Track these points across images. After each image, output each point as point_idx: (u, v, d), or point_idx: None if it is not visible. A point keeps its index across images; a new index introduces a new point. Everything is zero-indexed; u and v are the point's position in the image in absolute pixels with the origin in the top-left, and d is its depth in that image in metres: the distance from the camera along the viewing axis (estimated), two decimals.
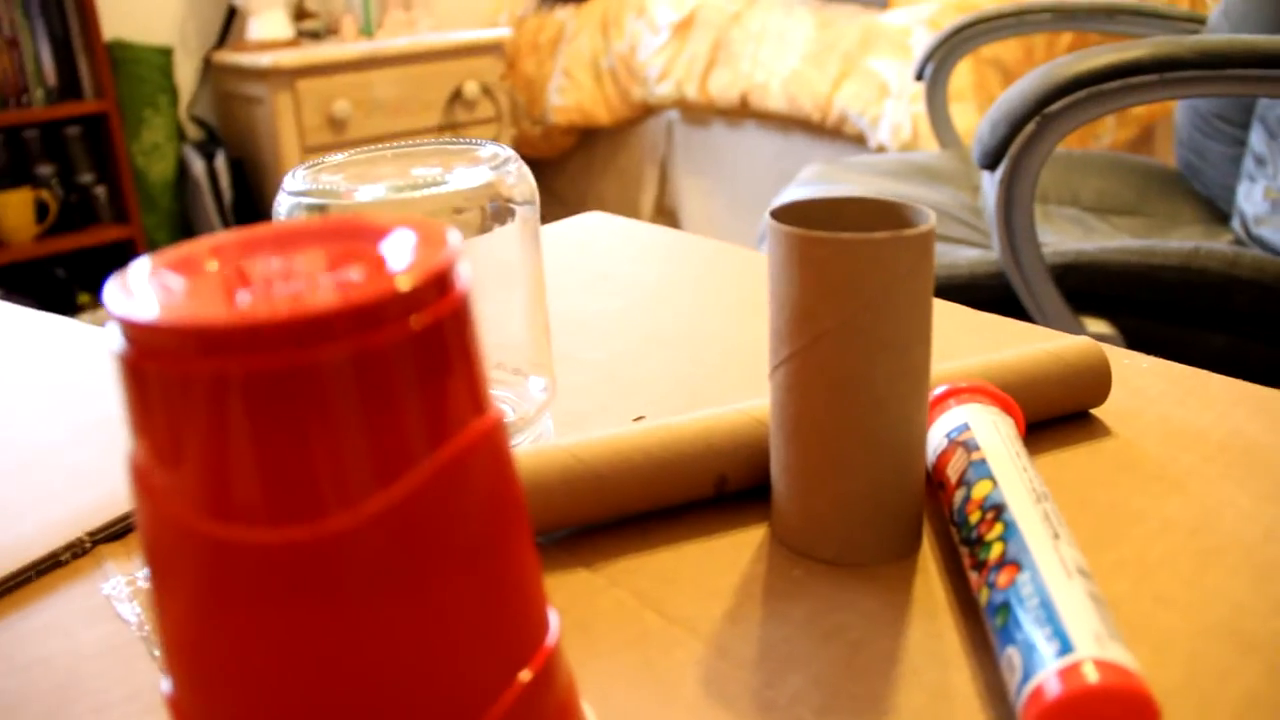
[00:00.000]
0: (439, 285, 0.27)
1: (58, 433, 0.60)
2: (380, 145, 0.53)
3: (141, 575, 0.47)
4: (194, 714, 0.30)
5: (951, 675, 0.38)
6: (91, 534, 0.50)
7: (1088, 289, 1.22)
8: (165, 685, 0.31)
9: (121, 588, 0.46)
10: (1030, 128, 1.07)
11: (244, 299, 0.27)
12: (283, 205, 0.48)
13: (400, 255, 0.28)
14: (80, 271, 3.01)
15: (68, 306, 2.91)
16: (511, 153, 0.51)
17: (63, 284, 2.92)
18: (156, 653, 0.42)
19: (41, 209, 2.81)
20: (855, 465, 0.42)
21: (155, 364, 0.26)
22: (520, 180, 0.50)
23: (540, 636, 0.31)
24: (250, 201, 3.06)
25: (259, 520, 0.26)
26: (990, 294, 1.23)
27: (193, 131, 3.17)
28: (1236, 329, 1.22)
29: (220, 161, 3.01)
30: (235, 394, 0.25)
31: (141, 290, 0.27)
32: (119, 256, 2.99)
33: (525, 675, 0.31)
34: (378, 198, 0.46)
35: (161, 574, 0.28)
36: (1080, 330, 1.21)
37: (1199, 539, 0.46)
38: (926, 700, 0.37)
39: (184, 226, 3.12)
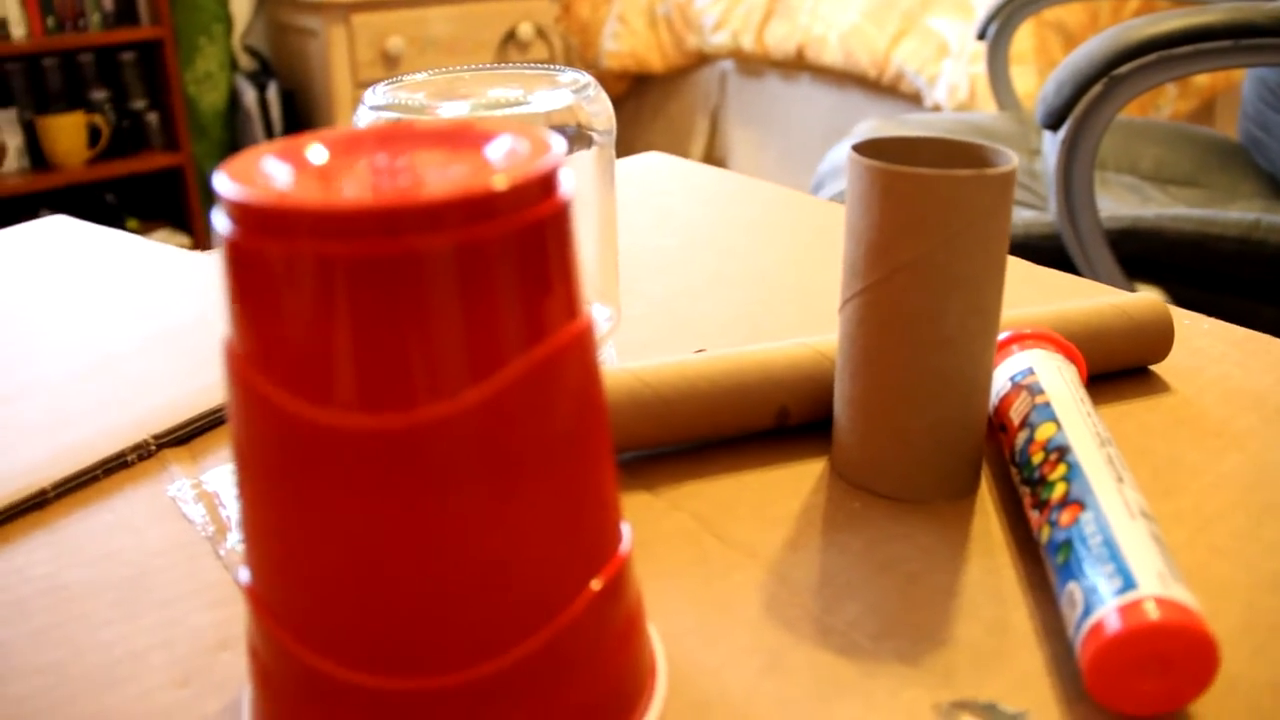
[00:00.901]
0: (543, 187, 0.28)
1: (124, 343, 0.61)
2: (458, 67, 0.54)
3: (206, 478, 0.48)
4: (274, 602, 0.30)
5: (1009, 611, 0.38)
6: (157, 437, 0.51)
7: (1143, 255, 1.21)
8: (244, 576, 0.32)
9: (186, 490, 0.47)
10: (1097, 89, 1.06)
11: (352, 187, 0.27)
12: (363, 119, 0.48)
13: (506, 157, 0.29)
14: (130, 197, 3.03)
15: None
16: (592, 80, 0.51)
17: (112, 209, 2.95)
18: (222, 552, 0.43)
19: (94, 134, 2.83)
20: (920, 402, 0.42)
21: (262, 246, 0.26)
22: (601, 108, 0.50)
23: (614, 546, 0.32)
24: (300, 132, 3.07)
25: (354, 407, 0.27)
26: (1044, 256, 1.23)
27: (245, 61, 3.18)
28: None
29: (272, 92, 3.01)
30: (340, 278, 0.26)
31: (252, 175, 0.28)
32: (169, 183, 3.01)
33: (597, 583, 0.31)
34: (460, 115, 0.47)
35: (251, 461, 0.29)
36: None
37: (1256, 495, 0.46)
38: (982, 633, 0.37)
39: (234, 155, 3.14)
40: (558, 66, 0.53)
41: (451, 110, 0.46)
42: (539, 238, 0.27)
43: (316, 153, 0.30)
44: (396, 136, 0.31)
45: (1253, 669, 0.36)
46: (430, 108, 0.47)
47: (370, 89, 0.50)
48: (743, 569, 0.41)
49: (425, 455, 0.27)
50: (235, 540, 0.44)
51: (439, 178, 0.27)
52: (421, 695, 0.29)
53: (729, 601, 0.39)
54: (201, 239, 3.00)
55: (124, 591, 0.41)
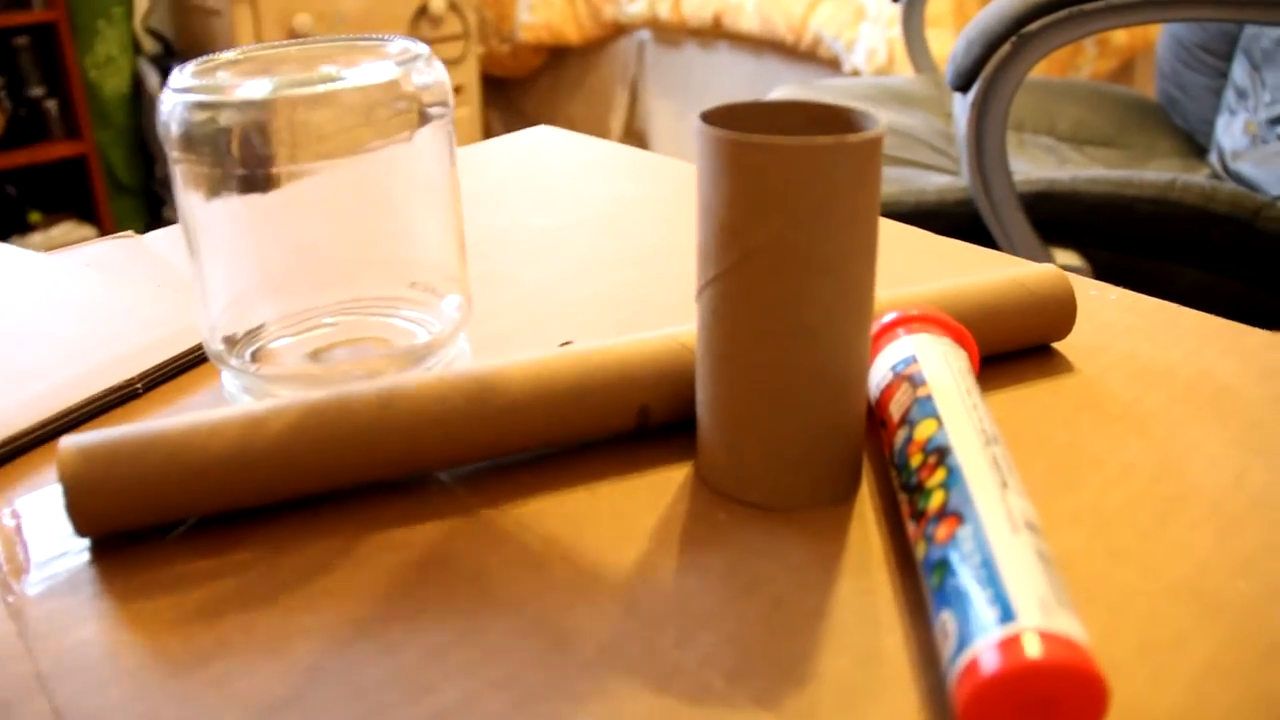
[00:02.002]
0: None
1: None
2: (283, 42, 0.48)
3: (9, 510, 0.42)
4: None
5: (882, 637, 0.34)
6: None
7: (1059, 219, 1.18)
8: None
9: None
10: (1006, 48, 1.02)
11: None
12: (166, 104, 0.43)
13: None
14: (31, 188, 2.92)
15: (19, 225, 2.83)
16: (425, 50, 0.46)
17: (13, 201, 2.84)
18: (10, 599, 0.38)
19: None
20: (786, 400, 0.38)
21: None
22: (430, 79, 0.45)
23: None
24: None
25: None
26: (958, 222, 1.19)
27: (148, 44, 3.06)
28: (1209, 264, 1.18)
29: None
30: None
31: None
32: (72, 174, 2.90)
33: None
34: (263, 95, 0.41)
35: None
36: (1049, 260, 1.17)
37: (1161, 486, 0.42)
38: (850, 665, 0.33)
39: (139, 143, 3.03)
40: (388, 36, 0.47)
41: (253, 89, 0.41)
42: None
43: None
44: None
45: (1151, 694, 0.32)
46: (230, 88, 0.41)
47: (179, 68, 0.44)
48: (588, 599, 0.36)
49: None
50: (31, 582, 0.38)
51: None
52: None
53: (568, 638, 0.34)
54: (108, 231, 2.90)
55: None
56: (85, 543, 0.40)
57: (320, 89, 0.41)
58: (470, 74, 3.19)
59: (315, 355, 0.49)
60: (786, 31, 2.48)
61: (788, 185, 0.35)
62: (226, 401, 0.49)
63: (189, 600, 0.37)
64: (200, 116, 0.42)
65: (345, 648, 0.34)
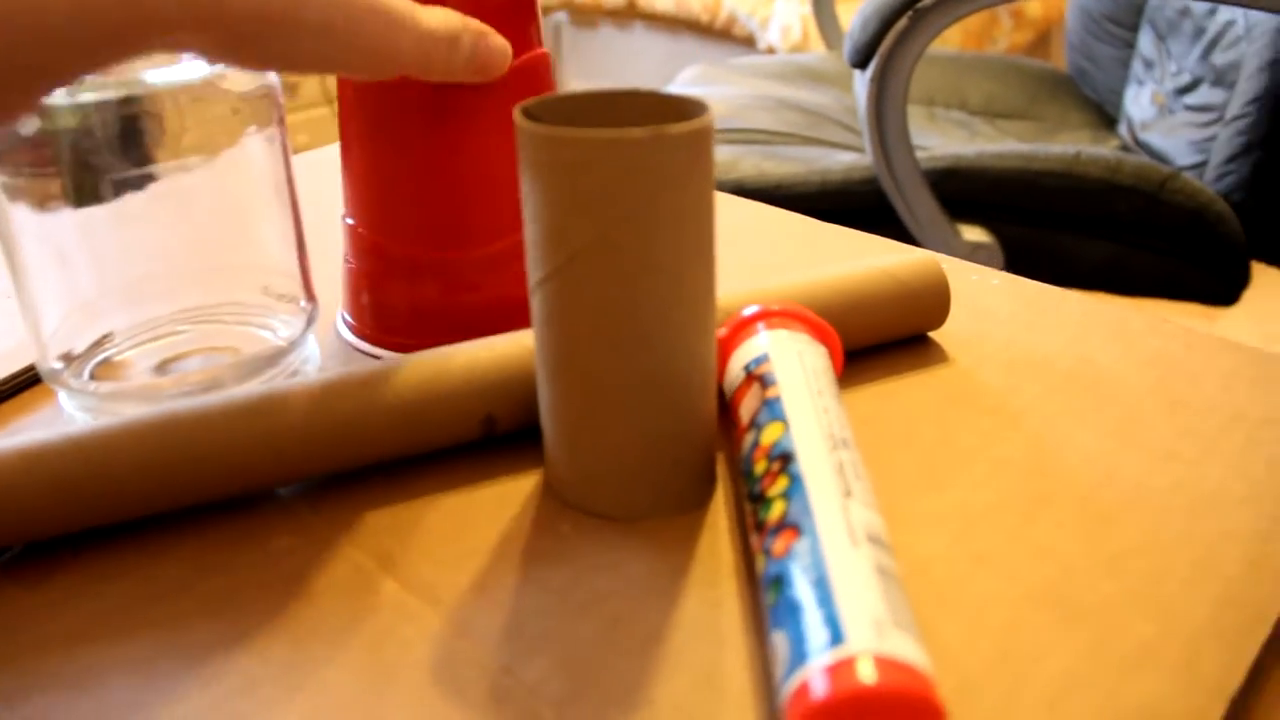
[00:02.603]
0: None
1: None
2: None
3: None
4: (369, 221, 0.48)
5: (724, 656, 0.32)
6: None
7: (967, 196, 1.17)
8: (349, 221, 0.49)
9: None
10: (902, 23, 1.00)
11: None
12: None
13: None
14: None
15: None
16: None
17: None
18: None
19: None
20: (624, 407, 0.36)
21: None
22: (257, 82, 0.42)
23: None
24: None
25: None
26: (865, 200, 1.17)
27: None
28: (1117, 237, 1.18)
29: None
30: None
31: None
32: None
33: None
34: (91, 98, 0.38)
35: (358, 130, 0.47)
36: (956, 238, 1.16)
37: (1031, 484, 0.40)
38: (688, 687, 0.31)
39: None
40: None
41: (79, 94, 0.38)
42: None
43: None
44: None
45: (1007, 713, 0.30)
46: None
47: None
48: (418, 620, 0.34)
49: (462, 110, 0.45)
50: None
51: None
52: (468, 260, 0.47)
53: (392, 665, 0.32)
54: None
55: None
56: None
57: (179, 81, 0.39)
58: None
59: (164, 366, 0.46)
60: (701, 10, 2.46)
61: (607, 181, 0.32)
62: (66, 424, 0.46)
63: (1, 634, 0.34)
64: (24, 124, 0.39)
65: (161, 680, 0.32)
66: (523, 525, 0.38)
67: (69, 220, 0.42)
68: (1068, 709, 0.30)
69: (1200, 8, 1.42)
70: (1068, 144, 1.38)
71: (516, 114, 0.34)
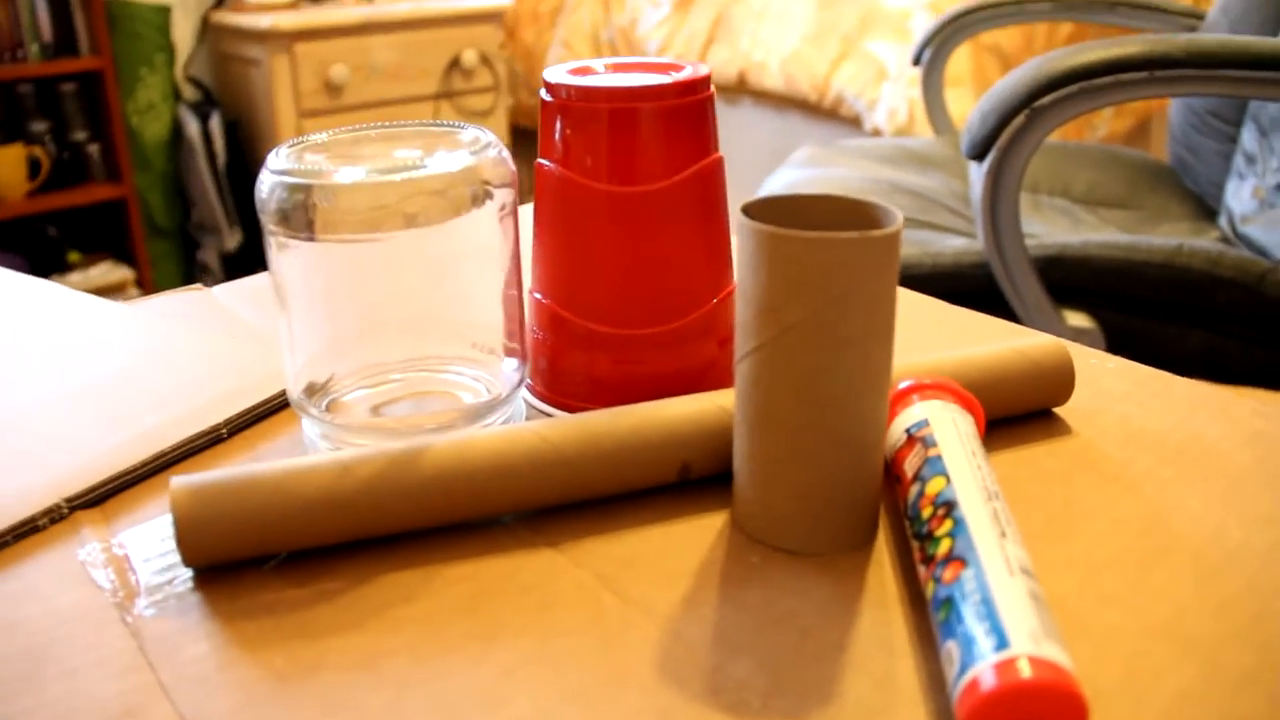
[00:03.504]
0: (703, 86, 0.54)
1: (37, 399, 0.61)
2: (364, 125, 0.54)
3: (119, 540, 0.48)
4: (560, 297, 0.56)
5: (897, 664, 0.39)
6: (69, 500, 0.51)
7: (1070, 282, 1.23)
8: (537, 295, 0.58)
9: (97, 553, 0.47)
10: (1019, 120, 1.08)
11: (610, 79, 0.54)
12: (265, 184, 0.49)
13: (678, 73, 0.55)
14: (71, 229, 3.00)
15: (58, 264, 2.91)
16: (493, 138, 0.52)
17: (54, 242, 2.92)
18: (129, 618, 0.43)
19: (34, 166, 2.80)
20: (815, 458, 0.43)
21: (571, 104, 0.53)
22: (499, 164, 0.51)
23: (727, 279, 0.58)
24: (244, 164, 3.05)
25: (613, 182, 0.53)
26: (975, 284, 1.24)
27: (188, 92, 3.16)
28: (1216, 327, 1.24)
29: (215, 123, 3.00)
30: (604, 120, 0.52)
31: (558, 75, 0.55)
32: (111, 216, 2.99)
33: (723, 292, 0.58)
34: (357, 180, 0.47)
35: (552, 222, 0.56)
36: (1060, 323, 1.22)
37: (1148, 540, 0.47)
38: (871, 688, 0.38)
39: (177, 187, 3.12)
40: (458, 123, 0.53)
41: (349, 175, 0.47)
42: (702, 108, 0.54)
43: (596, 68, 0.57)
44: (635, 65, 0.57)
45: (1130, 718, 0.37)
46: (329, 173, 0.47)
47: (274, 151, 0.50)
48: (638, 627, 0.41)
49: (646, 209, 0.54)
50: (144, 606, 0.44)
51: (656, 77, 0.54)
52: (638, 337, 0.55)
53: (623, 661, 0.40)
54: (144, 272, 2.98)
55: (27, 663, 0.41)
56: (188, 572, 0.46)
57: (403, 176, 0.47)
58: (500, 125, 3.28)
59: (379, 408, 0.55)
60: (810, 90, 2.55)
61: (817, 273, 0.40)
62: (305, 447, 0.55)
63: (288, 623, 0.42)
64: (296, 196, 0.48)
65: (429, 664, 0.40)
66: (717, 555, 0.46)
67: (321, 274, 0.51)
68: (1181, 716, 0.37)
69: None
70: (1169, 234, 1.43)
71: (740, 216, 0.42)
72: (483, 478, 0.46)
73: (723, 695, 0.38)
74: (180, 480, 0.45)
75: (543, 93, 0.55)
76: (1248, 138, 1.61)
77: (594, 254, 0.54)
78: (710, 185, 0.54)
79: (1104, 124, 2.56)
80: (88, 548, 0.48)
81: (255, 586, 0.45)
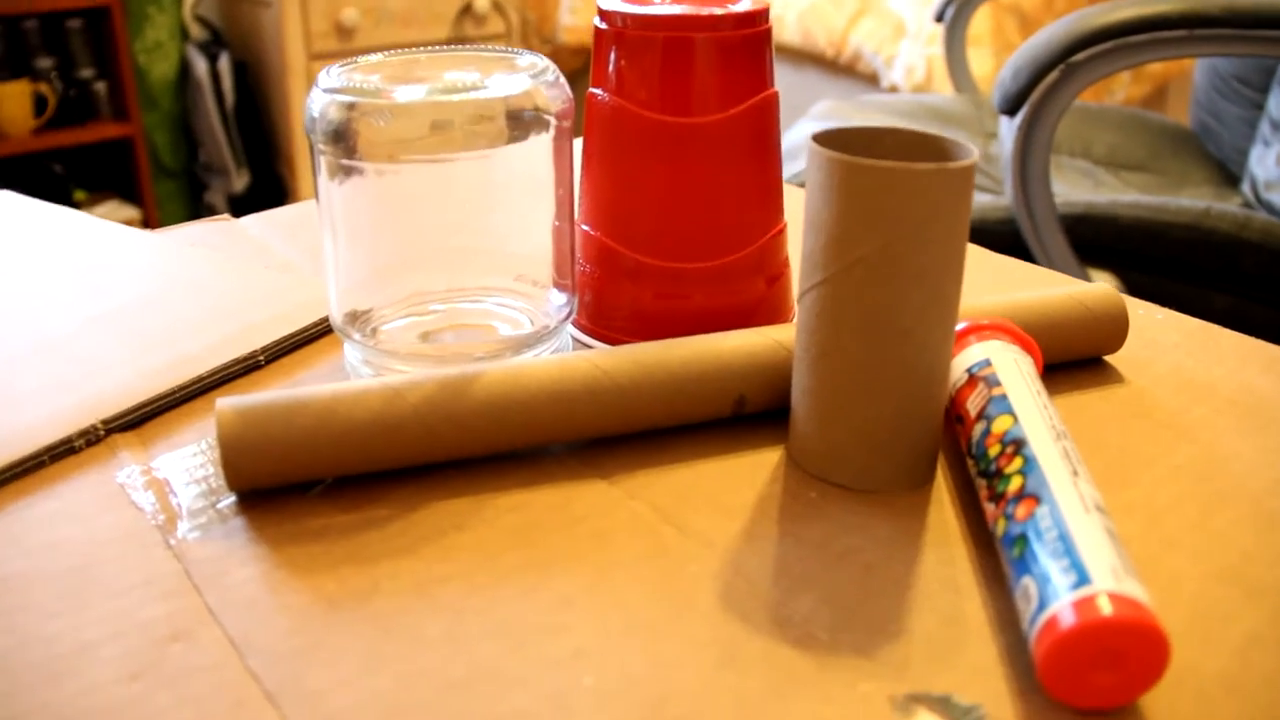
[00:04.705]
0: (762, 18, 0.52)
1: (70, 324, 0.60)
2: (416, 49, 0.53)
3: (157, 464, 0.47)
4: (609, 229, 0.55)
5: (964, 602, 0.39)
6: (105, 422, 0.50)
7: (1096, 241, 1.22)
8: (584, 227, 0.57)
9: (136, 476, 0.47)
10: (1054, 76, 1.06)
11: (667, 8, 0.52)
12: (316, 103, 0.48)
13: (735, 4, 0.53)
14: (77, 167, 2.98)
15: (64, 202, 2.89)
16: (550, 63, 0.50)
17: (59, 179, 2.90)
18: (173, 541, 0.42)
19: (40, 102, 2.77)
20: (878, 393, 0.42)
21: (626, 33, 0.52)
22: (557, 90, 0.49)
23: (781, 217, 0.57)
24: (253, 105, 3.02)
25: (669, 113, 0.52)
26: (998, 240, 1.23)
27: (197, 31, 3.12)
28: (1241, 290, 1.23)
29: (224, 63, 2.97)
30: (665, 51, 0.51)
31: (614, 3, 0.53)
32: (118, 155, 2.96)
33: (775, 230, 0.57)
34: (416, 99, 0.46)
35: (605, 152, 0.55)
36: (1085, 279, 1.21)
37: (1207, 486, 0.46)
38: (937, 624, 0.38)
39: (184, 127, 3.09)
40: (511, 49, 0.52)
41: (407, 94, 0.46)
42: (759, 42, 0.53)
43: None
44: None
45: (1202, 660, 0.36)
46: (385, 91, 0.46)
47: (325, 70, 0.49)
48: (699, 560, 0.41)
49: (699, 141, 0.52)
50: (186, 529, 0.43)
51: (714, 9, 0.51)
52: (687, 271, 0.54)
53: (685, 593, 0.39)
54: (150, 212, 2.96)
55: (70, 583, 0.40)
56: (230, 497, 0.45)
57: (468, 96, 0.46)
58: None
59: (425, 337, 0.54)
60: (826, 45, 2.52)
61: (892, 205, 0.39)
62: (346, 374, 0.54)
63: (337, 549, 0.42)
64: (348, 115, 0.47)
65: (484, 591, 0.39)
66: (774, 490, 0.45)
67: (369, 197, 0.50)
68: (1253, 660, 0.36)
69: None
70: (1193, 199, 1.42)
71: (812, 144, 0.41)
72: (536, 406, 0.45)
73: (789, 629, 0.37)
74: (226, 401, 0.44)
75: (597, 20, 0.53)
76: (1274, 103, 1.60)
77: (645, 186, 0.53)
78: (765, 120, 0.53)
79: (1122, 89, 2.54)
80: (126, 470, 0.47)
81: (301, 512, 0.44)
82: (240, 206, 3.01)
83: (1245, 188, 1.59)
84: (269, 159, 3.08)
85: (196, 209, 3.18)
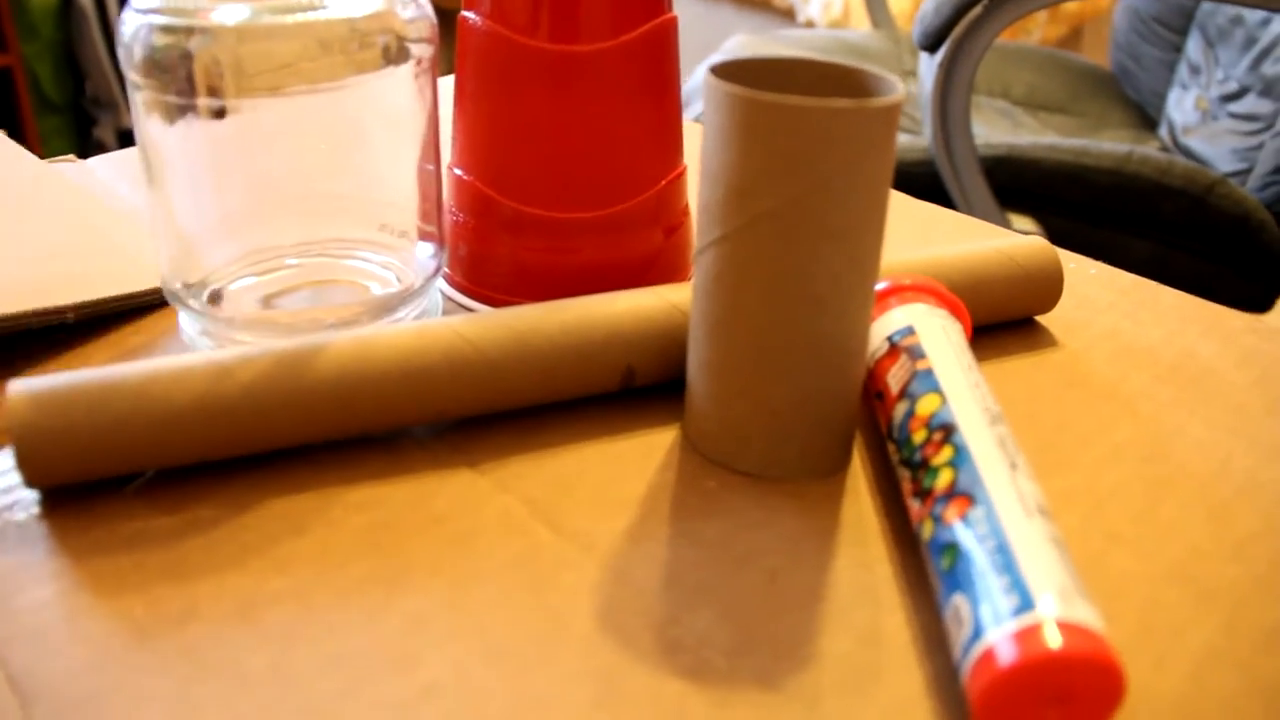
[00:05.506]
0: None
1: None
2: None
3: None
4: (485, 174, 0.48)
5: (883, 617, 0.33)
6: None
7: (1017, 185, 1.18)
8: (457, 171, 0.49)
9: None
10: (977, 10, 1.00)
11: None
12: (129, 25, 0.40)
13: None
14: None
15: None
16: None
17: None
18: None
19: None
20: (786, 368, 0.36)
21: None
22: (417, 13, 0.42)
23: (679, 161, 0.50)
24: None
25: (550, 39, 0.44)
26: (915, 183, 1.18)
27: None
28: (1161, 237, 1.19)
29: None
30: None
31: None
32: None
33: (670, 175, 0.49)
34: (240, 20, 0.39)
35: (475, 83, 0.47)
36: (1007, 226, 1.16)
37: (1151, 468, 0.41)
38: (853, 645, 0.32)
39: (68, 57, 2.93)
40: None
41: (229, 14, 0.38)
42: None
43: None
44: None
45: (1153, 681, 0.31)
46: (203, 11, 0.39)
47: None
48: (577, 567, 0.35)
49: (588, 72, 0.45)
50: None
51: None
52: (575, 221, 0.47)
53: (559, 611, 0.33)
54: (35, 149, 2.80)
55: None
56: (32, 495, 0.38)
57: (299, 18, 0.39)
58: None
59: (271, 300, 0.47)
60: None
61: (804, 148, 0.33)
62: (185, 346, 0.47)
63: (151, 560, 0.35)
64: (167, 40, 0.40)
65: (323, 613, 0.33)
66: (667, 479, 0.39)
67: (200, 140, 0.42)
68: (1210, 681, 0.31)
69: (1254, 17, 1.43)
70: (1111, 142, 1.38)
71: (709, 76, 0.35)
72: (390, 383, 0.39)
73: (680, 656, 0.31)
74: (20, 385, 0.37)
75: None
76: (1193, 47, 1.56)
77: (526, 124, 0.46)
78: (662, 49, 0.47)
79: (1038, 29, 2.51)
80: None
81: (114, 514, 0.37)
82: (132, 142, 2.87)
83: (1163, 132, 1.56)
84: None
85: (85, 146, 3.03)
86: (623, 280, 0.48)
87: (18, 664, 0.31)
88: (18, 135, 2.79)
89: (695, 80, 1.54)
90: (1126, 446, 0.42)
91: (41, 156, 2.80)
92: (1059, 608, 0.28)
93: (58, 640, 0.32)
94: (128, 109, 2.85)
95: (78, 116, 3.00)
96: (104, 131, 2.93)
